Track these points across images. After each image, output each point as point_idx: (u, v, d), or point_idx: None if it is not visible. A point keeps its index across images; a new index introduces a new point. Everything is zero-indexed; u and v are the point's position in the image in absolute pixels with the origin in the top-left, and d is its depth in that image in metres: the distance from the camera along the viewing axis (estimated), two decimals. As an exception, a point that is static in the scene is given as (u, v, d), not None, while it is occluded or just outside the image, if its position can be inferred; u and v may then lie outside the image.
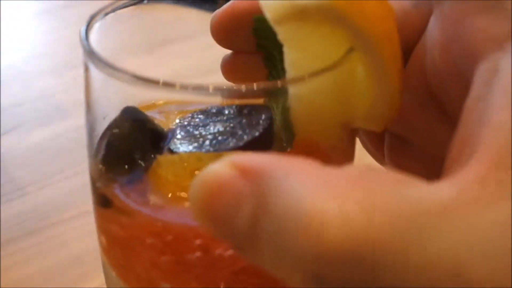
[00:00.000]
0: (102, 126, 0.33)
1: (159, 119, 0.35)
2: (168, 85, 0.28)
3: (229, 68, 0.37)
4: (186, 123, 0.34)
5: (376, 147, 0.37)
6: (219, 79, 0.37)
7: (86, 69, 0.31)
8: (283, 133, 0.33)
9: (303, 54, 0.31)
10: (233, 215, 0.23)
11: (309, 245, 0.21)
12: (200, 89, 0.28)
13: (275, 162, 0.23)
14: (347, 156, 0.34)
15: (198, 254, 0.30)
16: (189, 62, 0.40)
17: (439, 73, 0.30)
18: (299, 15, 0.29)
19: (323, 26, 0.29)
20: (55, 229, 0.62)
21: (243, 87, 0.27)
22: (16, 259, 0.59)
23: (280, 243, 0.22)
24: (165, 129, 0.34)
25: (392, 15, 0.29)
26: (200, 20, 0.38)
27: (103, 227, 0.34)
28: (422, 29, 0.31)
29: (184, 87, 0.27)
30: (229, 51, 0.37)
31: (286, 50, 0.31)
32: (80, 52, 0.31)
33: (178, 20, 0.37)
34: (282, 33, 0.31)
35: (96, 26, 0.33)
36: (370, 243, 0.21)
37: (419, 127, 0.33)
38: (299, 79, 0.29)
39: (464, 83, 0.27)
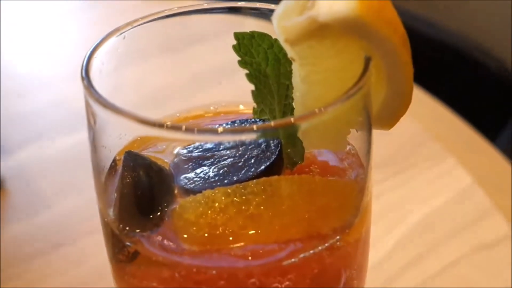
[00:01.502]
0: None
1: (154, 155, 0.34)
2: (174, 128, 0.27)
3: None
4: (187, 157, 0.33)
5: None
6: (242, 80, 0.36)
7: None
8: (292, 149, 0.32)
9: (316, 68, 0.31)
10: None
11: None
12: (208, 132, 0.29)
13: None
14: (359, 158, 0.34)
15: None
16: (211, 62, 0.39)
17: None
18: (319, 32, 0.29)
19: (340, 40, 0.29)
20: (81, 240, 0.59)
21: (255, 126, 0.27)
22: (44, 272, 0.57)
23: None
24: (166, 167, 0.33)
25: (396, 13, 0.29)
26: (219, 21, 0.37)
27: (135, 284, 0.33)
28: None
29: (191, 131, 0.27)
30: None
31: (296, 67, 0.31)
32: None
33: (199, 21, 0.36)
34: (296, 52, 0.31)
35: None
36: None
37: None
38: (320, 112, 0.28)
39: None
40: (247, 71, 0.34)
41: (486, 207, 0.63)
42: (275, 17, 0.30)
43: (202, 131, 0.30)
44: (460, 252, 0.59)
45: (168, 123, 0.27)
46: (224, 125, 0.35)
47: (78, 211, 0.65)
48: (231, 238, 0.30)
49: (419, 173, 0.68)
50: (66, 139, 0.74)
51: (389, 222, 0.62)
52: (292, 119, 0.29)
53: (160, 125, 0.27)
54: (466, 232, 0.61)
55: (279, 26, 0.30)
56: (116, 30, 0.34)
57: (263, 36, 0.33)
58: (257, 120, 0.34)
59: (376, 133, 0.34)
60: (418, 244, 0.60)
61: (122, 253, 0.32)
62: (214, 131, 0.29)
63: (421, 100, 0.79)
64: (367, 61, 0.29)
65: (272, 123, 0.27)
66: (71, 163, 0.71)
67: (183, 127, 0.27)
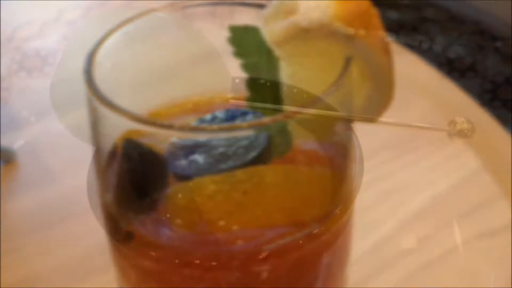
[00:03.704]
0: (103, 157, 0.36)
1: (150, 142, 0.36)
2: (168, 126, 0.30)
3: None
4: (182, 144, 0.36)
5: None
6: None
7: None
8: (280, 138, 0.34)
9: (302, 67, 0.34)
10: None
11: None
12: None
13: None
14: (348, 150, 0.36)
15: (236, 274, 0.33)
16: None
17: None
18: (301, 34, 0.31)
19: (323, 41, 0.32)
20: (87, 215, 0.64)
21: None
22: (47, 245, 0.60)
23: None
24: (162, 153, 0.36)
25: (378, 17, 0.32)
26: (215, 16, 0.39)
27: (130, 263, 0.36)
28: None
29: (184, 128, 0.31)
30: None
31: (283, 65, 0.34)
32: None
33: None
34: (281, 52, 0.33)
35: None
36: None
37: None
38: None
39: None
40: (241, 62, 0.37)
41: (493, 193, 0.64)
42: (260, 20, 0.33)
43: (193, 129, 0.33)
44: (462, 239, 0.61)
45: (158, 121, 0.29)
46: (217, 113, 0.38)
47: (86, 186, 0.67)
48: (218, 224, 0.33)
49: (426, 156, 0.69)
50: (76, 114, 0.76)
51: (390, 206, 0.64)
52: (281, 116, 0.31)
53: (152, 123, 0.31)
54: (470, 218, 0.63)
55: (264, 29, 0.32)
56: (118, 26, 0.37)
57: (256, 29, 0.35)
58: (248, 111, 0.37)
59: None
60: (419, 229, 0.62)
61: (118, 234, 0.35)
62: (205, 129, 0.33)
63: (431, 79, 0.79)
64: (347, 61, 0.32)
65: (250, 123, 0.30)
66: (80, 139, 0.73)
67: (176, 126, 0.30)
